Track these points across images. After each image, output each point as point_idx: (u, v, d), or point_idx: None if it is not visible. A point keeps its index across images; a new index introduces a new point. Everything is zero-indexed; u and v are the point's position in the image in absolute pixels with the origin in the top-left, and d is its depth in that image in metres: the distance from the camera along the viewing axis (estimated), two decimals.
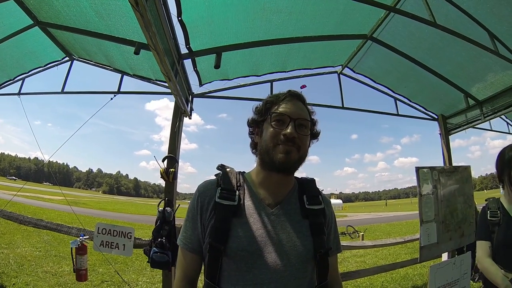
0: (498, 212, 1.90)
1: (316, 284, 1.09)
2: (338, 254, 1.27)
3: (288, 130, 1.05)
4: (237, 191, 1.08)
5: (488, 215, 1.94)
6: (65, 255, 6.17)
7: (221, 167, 1.18)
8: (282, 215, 1.09)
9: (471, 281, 3.79)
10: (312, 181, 1.24)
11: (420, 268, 5.46)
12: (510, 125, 6.69)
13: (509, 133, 6.85)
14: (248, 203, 1.09)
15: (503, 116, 5.98)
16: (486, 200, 2.05)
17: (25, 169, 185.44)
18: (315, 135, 1.22)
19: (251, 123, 1.21)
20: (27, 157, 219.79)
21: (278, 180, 1.12)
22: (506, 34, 3.14)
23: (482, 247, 1.93)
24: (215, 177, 1.16)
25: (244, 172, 1.21)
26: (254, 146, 1.20)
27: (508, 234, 1.82)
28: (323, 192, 1.26)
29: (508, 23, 3.02)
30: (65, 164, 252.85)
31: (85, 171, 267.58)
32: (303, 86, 3.09)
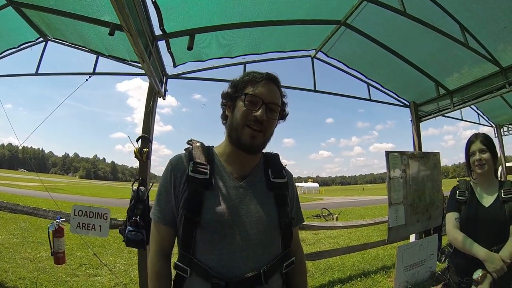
0: (466, 192, 2.09)
1: (281, 251, 1.17)
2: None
3: (259, 113, 1.11)
4: (208, 165, 1.14)
5: (457, 194, 2.14)
6: (42, 241, 6.10)
7: (191, 142, 1.24)
8: (249, 187, 1.16)
9: (437, 262, 4.02)
10: (276, 156, 1.33)
11: (390, 249, 5.70)
12: (481, 116, 6.99)
13: (479, 124, 7.17)
14: (218, 176, 1.15)
15: (474, 107, 6.25)
16: (457, 182, 2.23)
17: None
18: (283, 117, 1.28)
19: (225, 96, 1.25)
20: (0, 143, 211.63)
21: (245, 156, 1.18)
22: (477, 28, 3.25)
23: (450, 220, 2.10)
24: (185, 151, 1.22)
25: (213, 146, 1.27)
26: (224, 117, 1.24)
27: (472, 213, 2.01)
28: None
29: (479, 17, 3.13)
30: (40, 149, 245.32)
31: (61, 155, 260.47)
32: None
